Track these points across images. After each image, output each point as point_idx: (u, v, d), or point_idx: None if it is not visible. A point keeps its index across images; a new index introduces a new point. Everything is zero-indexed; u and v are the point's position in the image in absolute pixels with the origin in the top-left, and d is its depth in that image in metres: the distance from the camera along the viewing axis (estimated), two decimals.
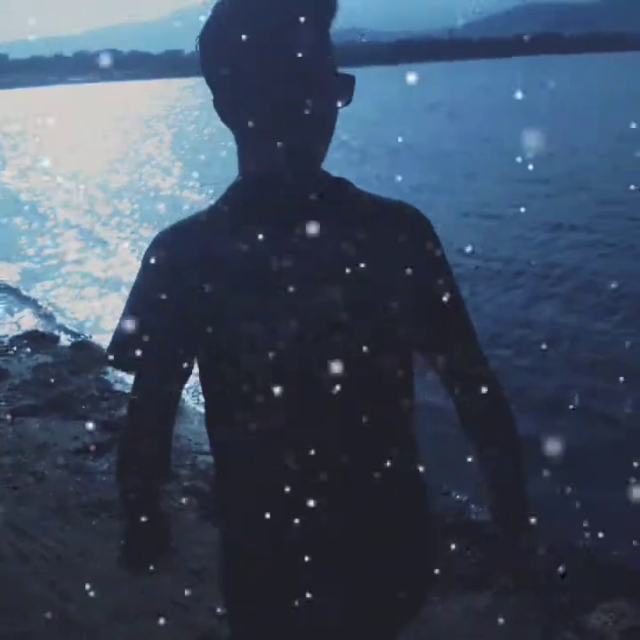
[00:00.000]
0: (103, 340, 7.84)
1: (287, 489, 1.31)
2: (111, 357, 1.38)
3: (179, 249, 1.31)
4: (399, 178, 14.84)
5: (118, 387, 6.57)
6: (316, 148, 1.30)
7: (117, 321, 1.37)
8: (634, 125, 17.52)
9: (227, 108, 1.32)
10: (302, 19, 1.23)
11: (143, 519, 1.45)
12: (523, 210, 12.15)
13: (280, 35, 1.23)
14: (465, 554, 3.73)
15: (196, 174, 19.36)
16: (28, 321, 8.92)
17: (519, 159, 13.43)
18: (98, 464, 4.98)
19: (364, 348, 1.30)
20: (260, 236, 1.28)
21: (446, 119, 31.42)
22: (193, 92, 76.50)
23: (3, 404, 5.95)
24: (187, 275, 1.29)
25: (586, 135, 21.41)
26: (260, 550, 1.39)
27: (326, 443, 1.31)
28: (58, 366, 6.88)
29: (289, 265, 1.28)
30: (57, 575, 3.69)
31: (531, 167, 14.34)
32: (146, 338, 1.31)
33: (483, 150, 20.54)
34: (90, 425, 5.60)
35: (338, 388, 1.29)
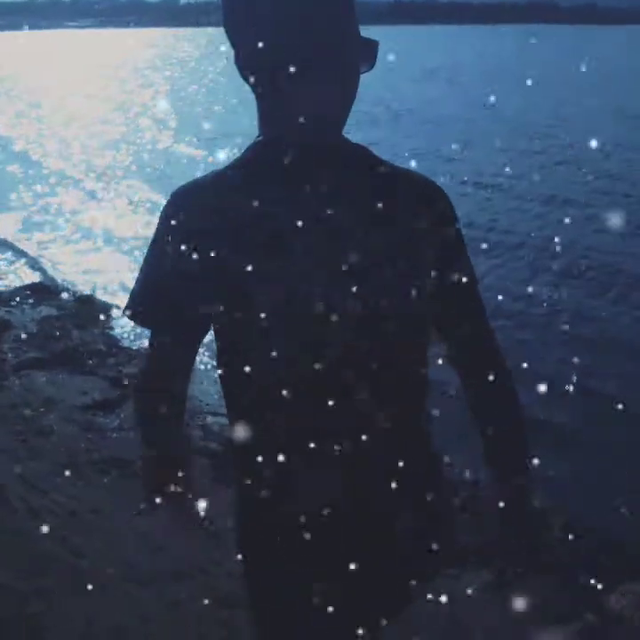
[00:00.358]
0: (105, 295, 7.77)
1: (301, 445, 1.31)
2: (128, 312, 1.39)
3: (195, 207, 1.30)
4: (399, 143, 14.73)
5: (125, 342, 6.52)
6: (338, 111, 1.28)
7: (135, 275, 1.39)
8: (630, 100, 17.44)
9: (250, 64, 1.29)
10: None
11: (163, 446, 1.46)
12: (519, 181, 12.10)
13: None
14: (481, 528, 3.71)
15: (191, 128, 19.16)
16: (27, 273, 8.80)
17: (517, 129, 13.28)
18: (108, 421, 4.95)
19: (380, 313, 1.30)
20: (278, 198, 1.28)
21: (446, 84, 31.16)
22: (188, 43, 75.39)
23: (9, 356, 5.88)
24: (203, 234, 1.28)
25: (583, 108, 21.13)
26: (274, 509, 1.39)
27: (340, 401, 1.30)
28: (62, 319, 6.80)
29: (305, 228, 1.28)
30: (68, 531, 3.66)
31: (528, 137, 14.19)
32: (162, 295, 1.33)
33: (481, 117, 20.32)
34: (98, 380, 5.56)
35: (353, 351, 1.29)
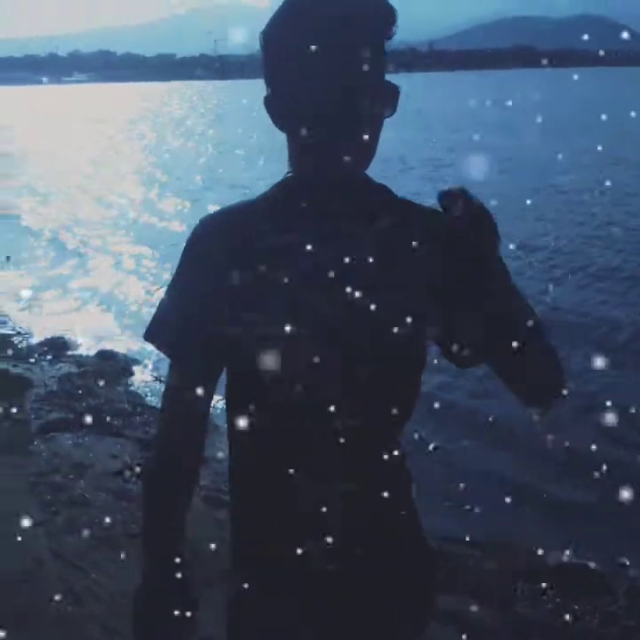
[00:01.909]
0: (121, 349, 7.49)
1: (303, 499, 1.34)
2: (149, 336, 1.40)
3: (221, 235, 1.34)
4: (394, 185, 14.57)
5: (150, 400, 6.23)
6: (363, 158, 1.32)
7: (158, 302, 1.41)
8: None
9: (283, 107, 1.33)
10: (366, 27, 1.26)
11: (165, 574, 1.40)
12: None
13: (346, 40, 1.25)
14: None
15: (177, 180, 19.04)
16: (42, 328, 8.50)
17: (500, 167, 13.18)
18: (140, 487, 4.63)
19: (391, 356, 1.32)
20: (300, 234, 1.31)
21: (430, 126, 31.97)
22: (180, 95, 76.01)
23: (32, 417, 5.58)
24: (224, 265, 1.31)
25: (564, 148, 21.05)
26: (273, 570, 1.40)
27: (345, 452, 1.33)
28: (84, 376, 6.52)
29: (325, 266, 1.30)
30: (113, 618, 3.33)
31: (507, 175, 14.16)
32: (184, 320, 1.34)
33: (469, 160, 20.27)
34: (126, 443, 5.26)
35: (365, 397, 1.33)
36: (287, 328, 1.27)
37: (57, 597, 3.41)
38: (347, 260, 1.30)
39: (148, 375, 6.83)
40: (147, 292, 9.83)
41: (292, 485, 1.34)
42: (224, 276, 1.30)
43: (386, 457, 1.39)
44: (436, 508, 4.40)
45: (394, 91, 1.31)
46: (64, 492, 4.47)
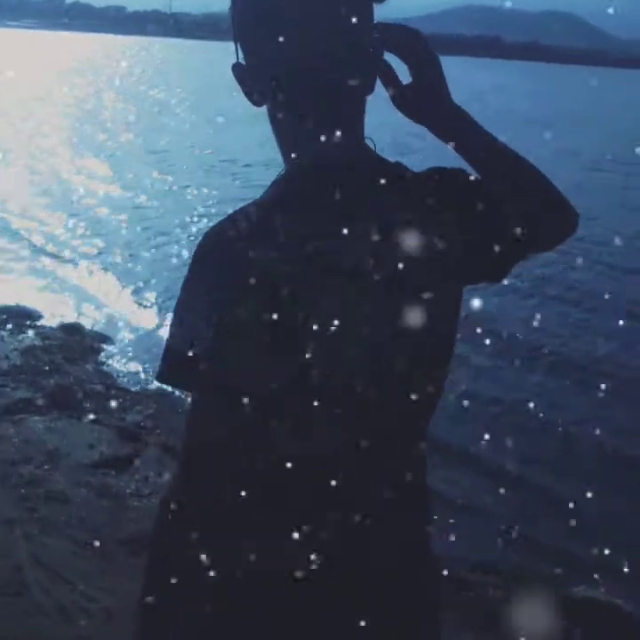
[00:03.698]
0: (87, 322, 7.05)
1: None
2: (163, 377, 1.21)
3: (231, 246, 1.16)
4: None
5: (123, 382, 5.84)
6: (359, 126, 1.23)
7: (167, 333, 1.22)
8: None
9: (269, 90, 1.19)
10: None
11: None
12: None
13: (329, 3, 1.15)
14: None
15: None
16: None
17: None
18: (123, 483, 4.28)
19: (433, 351, 1.25)
20: (327, 233, 1.16)
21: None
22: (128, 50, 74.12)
23: None
24: (245, 278, 1.13)
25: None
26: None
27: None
28: (50, 351, 6.06)
29: (358, 265, 1.17)
30: None
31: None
32: (201, 349, 1.14)
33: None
34: (103, 431, 4.88)
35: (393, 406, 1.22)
36: (334, 335, 1.15)
37: (43, 614, 3.07)
38: (383, 255, 1.18)
39: (117, 354, 6.42)
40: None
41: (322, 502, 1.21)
42: (246, 294, 1.13)
43: (415, 455, 1.30)
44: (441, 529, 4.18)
45: (381, 64, 1.23)
46: (40, 485, 4.08)
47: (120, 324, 7.15)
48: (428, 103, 1.28)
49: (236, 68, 1.21)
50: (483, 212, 1.27)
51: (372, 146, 1.26)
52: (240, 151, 17.36)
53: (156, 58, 71.89)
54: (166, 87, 35.66)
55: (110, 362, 6.21)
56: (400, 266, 1.20)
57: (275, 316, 1.14)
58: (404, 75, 1.24)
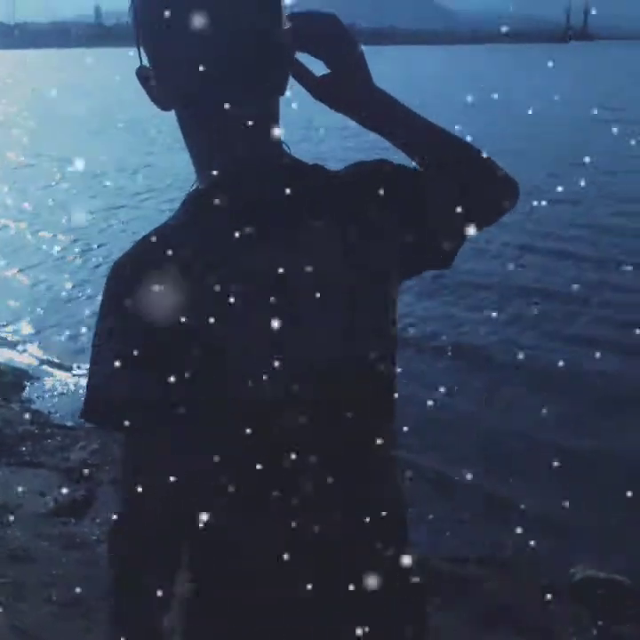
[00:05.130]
0: (8, 359, 6.59)
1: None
2: (89, 416, 1.13)
3: (145, 276, 1.08)
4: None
5: (56, 419, 5.46)
6: (274, 122, 1.15)
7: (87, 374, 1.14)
8: None
9: (167, 76, 1.12)
10: None
11: None
12: None
13: None
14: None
15: None
16: None
17: None
18: (86, 530, 3.97)
19: (374, 371, 1.21)
20: (242, 251, 1.11)
21: None
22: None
23: None
24: (160, 305, 1.08)
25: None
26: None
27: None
28: None
29: (283, 282, 1.13)
30: None
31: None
32: (126, 384, 1.09)
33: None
34: (49, 475, 4.54)
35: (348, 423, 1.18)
36: (262, 351, 1.11)
37: None
38: (317, 266, 1.14)
39: (43, 389, 6.01)
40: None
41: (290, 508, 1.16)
42: (169, 319, 1.08)
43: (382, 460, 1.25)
44: (434, 526, 4.08)
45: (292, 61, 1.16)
46: None
47: (38, 356, 6.72)
48: (347, 90, 1.21)
49: (141, 72, 1.14)
50: (414, 199, 1.24)
51: (287, 150, 1.20)
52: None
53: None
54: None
55: (36, 399, 5.81)
56: (330, 272, 1.16)
57: (200, 345, 1.09)
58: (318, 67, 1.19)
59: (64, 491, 4.32)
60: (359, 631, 1.21)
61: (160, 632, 1.16)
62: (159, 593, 1.14)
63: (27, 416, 5.38)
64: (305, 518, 1.17)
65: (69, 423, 5.34)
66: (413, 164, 1.28)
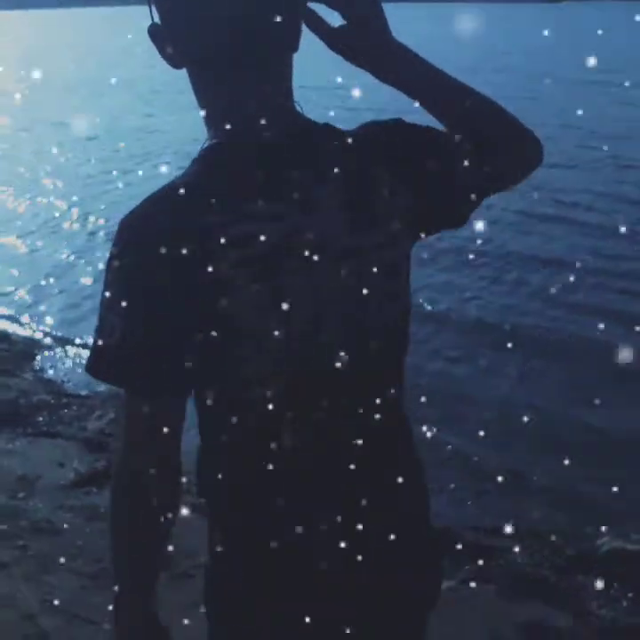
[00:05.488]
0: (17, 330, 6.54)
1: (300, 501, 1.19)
2: (96, 370, 1.13)
3: (158, 234, 1.06)
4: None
5: (70, 388, 5.43)
6: (288, 87, 1.16)
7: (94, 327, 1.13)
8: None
9: (182, 45, 1.13)
10: None
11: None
12: None
13: None
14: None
15: None
16: None
17: None
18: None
19: (387, 330, 1.21)
20: (256, 210, 1.10)
21: None
22: None
23: None
24: (173, 264, 1.06)
25: None
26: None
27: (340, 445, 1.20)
28: None
29: (296, 243, 1.12)
30: None
31: None
32: (138, 340, 1.08)
33: None
34: (67, 445, 4.52)
35: (354, 383, 1.19)
36: (269, 325, 1.11)
37: None
38: (327, 227, 1.14)
39: (54, 358, 5.98)
40: None
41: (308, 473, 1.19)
42: (183, 279, 1.06)
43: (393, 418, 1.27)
44: (456, 497, 4.09)
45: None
46: (21, 517, 3.71)
47: (44, 324, 6.67)
48: (363, 42, 1.19)
49: (153, 29, 1.14)
50: (431, 156, 1.21)
51: (299, 109, 1.19)
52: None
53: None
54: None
55: (49, 368, 5.78)
56: (340, 232, 1.15)
57: (209, 308, 1.08)
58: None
59: (83, 461, 4.32)
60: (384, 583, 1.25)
61: (156, 563, 1.23)
62: (160, 520, 1.18)
63: (40, 386, 5.35)
64: (330, 485, 1.19)
65: (84, 392, 5.31)
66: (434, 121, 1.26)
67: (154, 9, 1.14)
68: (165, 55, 1.15)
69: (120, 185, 11.45)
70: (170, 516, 1.19)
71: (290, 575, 1.22)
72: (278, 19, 1.09)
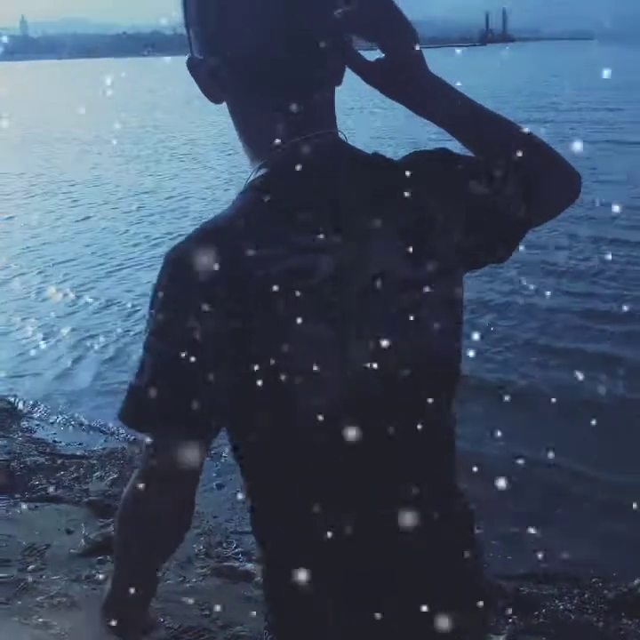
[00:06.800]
0: None
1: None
2: (129, 419, 1.08)
3: (203, 269, 1.02)
4: None
5: (62, 448, 5.18)
6: (332, 117, 1.16)
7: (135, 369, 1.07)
8: None
9: (237, 84, 1.12)
10: None
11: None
12: None
13: None
14: None
15: None
16: None
17: None
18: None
19: (441, 350, 1.20)
20: (309, 241, 1.07)
21: None
22: None
23: None
24: (224, 301, 1.02)
25: None
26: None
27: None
28: None
29: (353, 273, 1.09)
30: None
31: None
32: (178, 386, 1.03)
33: None
34: (71, 509, 4.29)
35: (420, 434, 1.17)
36: (323, 354, 1.08)
37: None
38: (385, 258, 1.12)
39: (41, 414, 5.72)
40: None
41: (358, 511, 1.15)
42: (227, 316, 1.03)
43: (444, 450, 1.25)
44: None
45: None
46: (37, 593, 3.48)
47: (27, 380, 6.40)
48: (402, 77, 1.19)
49: (192, 63, 1.13)
50: (476, 190, 1.21)
51: (343, 138, 1.18)
52: None
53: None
54: None
55: (36, 427, 5.52)
56: (396, 263, 1.13)
57: (255, 348, 1.05)
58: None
59: (92, 526, 4.09)
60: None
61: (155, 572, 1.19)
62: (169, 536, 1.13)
63: (32, 446, 5.10)
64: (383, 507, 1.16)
65: (79, 452, 5.08)
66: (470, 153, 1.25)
67: (193, 44, 1.13)
68: (206, 88, 1.14)
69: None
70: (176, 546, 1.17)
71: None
72: (327, 49, 1.10)
